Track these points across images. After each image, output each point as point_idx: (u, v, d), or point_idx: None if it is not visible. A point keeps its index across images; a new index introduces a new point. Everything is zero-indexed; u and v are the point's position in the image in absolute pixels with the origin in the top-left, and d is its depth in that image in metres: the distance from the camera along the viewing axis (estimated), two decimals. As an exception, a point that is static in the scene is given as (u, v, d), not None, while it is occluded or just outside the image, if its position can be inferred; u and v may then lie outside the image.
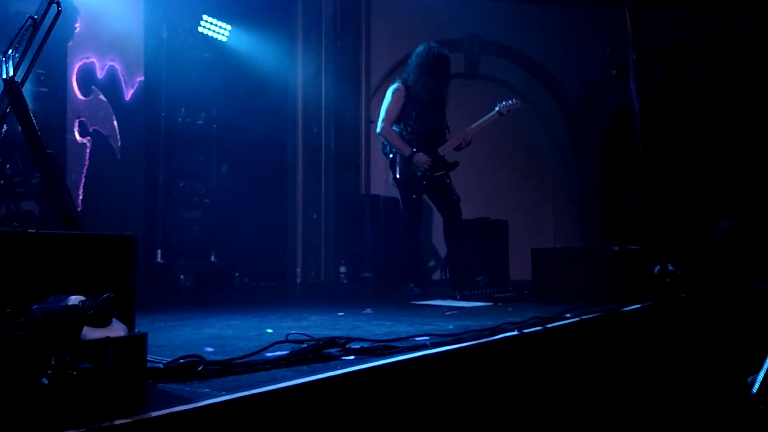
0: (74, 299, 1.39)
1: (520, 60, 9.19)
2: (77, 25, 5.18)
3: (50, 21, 2.55)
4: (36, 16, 2.48)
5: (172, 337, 2.64)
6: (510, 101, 5.40)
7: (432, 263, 8.10)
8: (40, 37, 2.55)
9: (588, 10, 8.78)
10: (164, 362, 1.79)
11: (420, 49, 5.25)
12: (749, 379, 0.97)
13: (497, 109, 5.37)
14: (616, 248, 4.40)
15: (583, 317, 3.27)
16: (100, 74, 5.42)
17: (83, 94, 5.27)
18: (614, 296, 4.11)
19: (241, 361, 1.93)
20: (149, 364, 1.67)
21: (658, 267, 4.97)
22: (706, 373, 4.09)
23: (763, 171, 9.33)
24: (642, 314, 3.90)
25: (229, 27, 6.70)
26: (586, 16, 8.77)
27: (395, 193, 5.61)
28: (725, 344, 4.43)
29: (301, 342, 2.24)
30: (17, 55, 2.45)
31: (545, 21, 8.97)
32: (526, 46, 9.12)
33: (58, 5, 2.54)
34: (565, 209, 9.29)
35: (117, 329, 1.41)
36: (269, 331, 2.81)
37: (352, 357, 2.09)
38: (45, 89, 4.82)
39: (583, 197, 9.30)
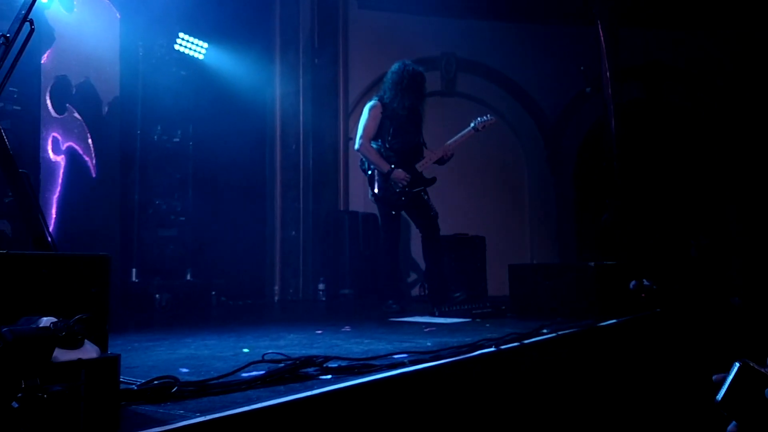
0: (46, 321, 1.37)
1: (496, 78, 9.29)
2: (52, 42, 5.14)
3: (23, 39, 2.53)
4: (9, 35, 2.46)
5: (147, 358, 2.61)
6: (485, 117, 5.47)
7: (411, 278, 8.11)
8: (13, 55, 2.52)
9: (563, 28, 8.92)
10: (138, 383, 1.77)
11: (395, 66, 5.31)
12: (714, 378, 0.98)
13: (473, 125, 5.43)
14: (593, 264, 4.44)
15: (560, 333, 3.28)
16: (74, 91, 5.38)
17: (57, 112, 5.22)
18: (591, 311, 4.14)
19: (216, 381, 1.91)
20: (123, 386, 1.65)
21: (634, 282, 5.01)
22: (680, 387, 4.13)
23: (739, 186, 9.48)
24: (618, 329, 3.92)
25: (205, 45, 6.69)
26: (560, 34, 8.91)
27: (374, 209, 5.62)
28: (699, 358, 4.48)
29: (278, 362, 2.22)
30: (-11, 73, 2.42)
31: (520, 39, 9.08)
32: (501, 64, 9.23)
33: (32, 24, 2.51)
34: (542, 225, 9.36)
35: (89, 351, 1.40)
36: (246, 350, 2.79)
37: (329, 376, 2.08)
38: (18, 107, 4.76)
39: (560, 213, 9.39)
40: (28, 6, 2.52)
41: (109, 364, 1.42)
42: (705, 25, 9.30)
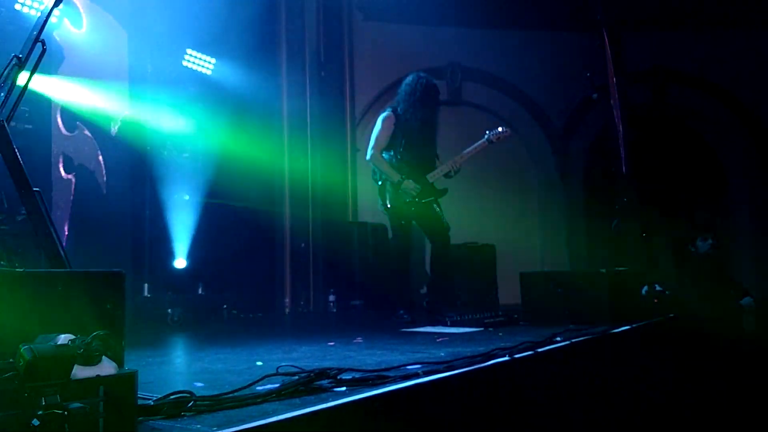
0: (64, 338, 1.39)
1: (502, 86, 9.30)
2: (61, 61, 5.20)
3: (35, 59, 2.56)
4: (21, 55, 2.49)
5: (162, 373, 2.62)
6: (499, 129, 5.38)
7: (423, 290, 8.09)
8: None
9: (567, 34, 8.93)
10: (154, 399, 1.78)
11: (409, 78, 5.31)
12: None
13: (487, 136, 5.38)
14: (604, 270, 4.42)
15: (574, 340, 3.27)
16: (84, 110, 5.42)
17: (68, 130, 5.27)
18: (603, 318, 4.12)
19: (231, 395, 1.91)
20: (139, 401, 1.66)
21: (645, 288, 4.99)
22: (696, 393, 4.10)
23: (743, 188, 9.44)
24: (632, 335, 3.91)
25: (213, 60, 6.75)
26: (565, 40, 8.91)
27: (383, 220, 5.63)
28: (712, 363, 4.45)
29: (292, 374, 2.22)
30: (2, 93, 2.45)
31: (525, 47, 9.10)
32: (507, 72, 9.25)
33: (43, 44, 2.55)
34: (552, 232, 9.33)
35: (107, 367, 1.41)
36: (259, 363, 2.79)
37: (344, 388, 2.08)
38: (30, 126, 4.81)
39: (570, 219, 9.36)
40: (39, 26, 2.55)
41: (126, 380, 1.42)
42: (709, 27, 9.28)
